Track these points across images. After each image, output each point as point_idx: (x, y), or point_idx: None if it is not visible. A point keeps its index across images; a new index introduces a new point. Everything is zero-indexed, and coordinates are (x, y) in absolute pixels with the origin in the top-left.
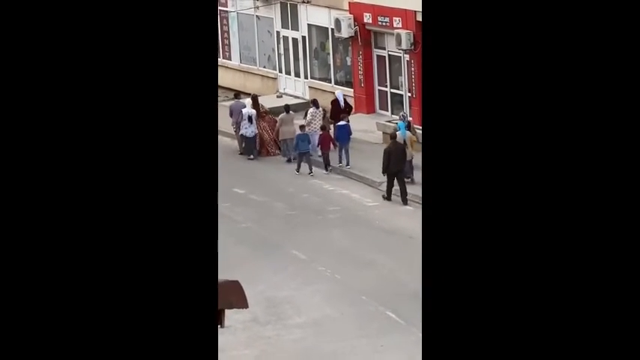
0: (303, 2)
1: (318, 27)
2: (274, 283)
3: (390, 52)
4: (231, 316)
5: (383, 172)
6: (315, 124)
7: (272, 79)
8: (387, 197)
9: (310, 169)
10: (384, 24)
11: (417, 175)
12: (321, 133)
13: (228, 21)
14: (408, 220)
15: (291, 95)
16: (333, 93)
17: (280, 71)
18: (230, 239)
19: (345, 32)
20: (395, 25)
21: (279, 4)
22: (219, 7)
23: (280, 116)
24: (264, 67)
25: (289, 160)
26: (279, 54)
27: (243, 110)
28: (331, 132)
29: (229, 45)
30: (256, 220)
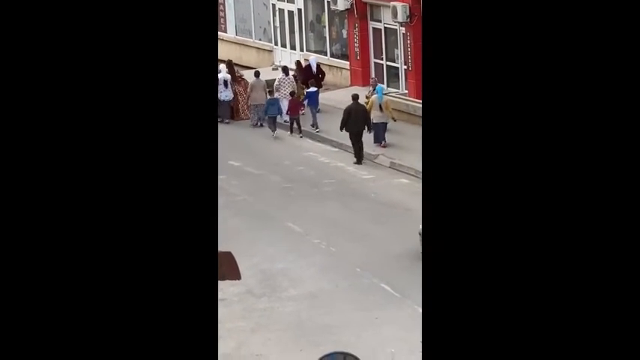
0: None
1: None
2: (269, 256)
3: (385, 25)
4: (225, 288)
5: (340, 129)
6: (283, 90)
7: (268, 51)
8: (358, 160)
9: (273, 131)
10: None
11: (395, 139)
12: (290, 98)
13: None
14: (403, 192)
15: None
16: (329, 66)
17: (276, 44)
18: (226, 211)
19: (341, 5)
20: None
21: None
22: None
23: (251, 82)
24: (260, 39)
25: (256, 125)
26: (274, 26)
27: (218, 75)
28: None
29: (225, 17)
30: (252, 193)
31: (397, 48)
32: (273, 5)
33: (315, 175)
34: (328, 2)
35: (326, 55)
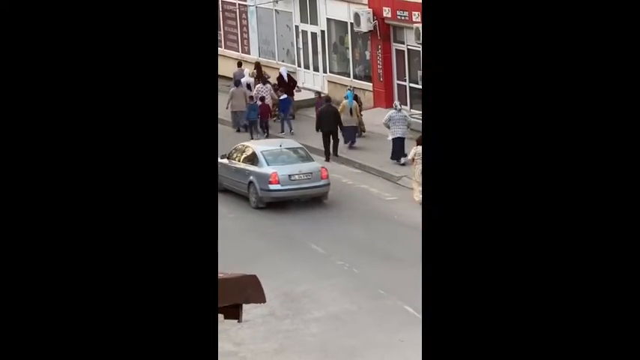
0: None
1: (337, 21)
2: (292, 278)
3: (409, 47)
4: (249, 310)
5: (316, 130)
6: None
7: (291, 73)
8: (327, 158)
9: (263, 133)
10: (403, 18)
11: (364, 142)
12: (260, 104)
13: (247, 15)
14: None
15: (309, 89)
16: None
17: (299, 65)
18: (249, 234)
19: (364, 26)
20: (414, 20)
21: None
22: (238, 2)
23: (231, 90)
24: (283, 61)
25: (238, 130)
26: (298, 48)
27: (242, 80)
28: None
29: (248, 39)
30: (274, 215)
31: (420, 69)
32: (297, 27)
33: (338, 197)
34: (351, 24)
35: (349, 76)
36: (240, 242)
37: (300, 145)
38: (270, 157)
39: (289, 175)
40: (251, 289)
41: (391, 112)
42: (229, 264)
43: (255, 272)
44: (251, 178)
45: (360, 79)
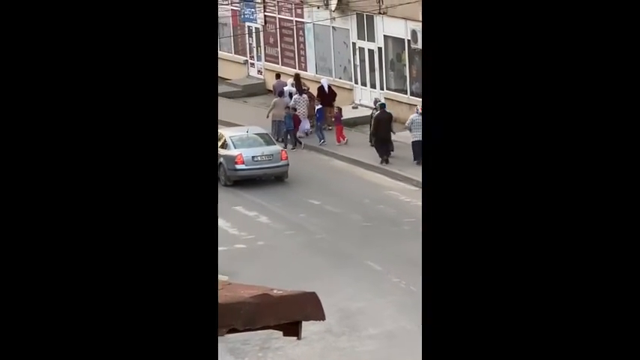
0: (380, 13)
1: (394, 38)
2: (349, 294)
3: None
4: (305, 327)
5: (371, 136)
6: (299, 108)
7: (348, 90)
8: (383, 160)
9: (294, 144)
10: None
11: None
12: (293, 114)
13: (304, 32)
14: None
15: (366, 106)
16: (409, 104)
17: (356, 82)
18: (305, 250)
19: (422, 43)
20: None
21: (355, 16)
22: (295, 19)
23: (273, 100)
24: (340, 78)
25: (277, 139)
26: (354, 65)
27: (285, 88)
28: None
29: (305, 56)
30: (331, 231)
31: None
32: (354, 44)
33: (395, 214)
34: (408, 41)
35: (406, 93)
36: (296, 259)
37: (265, 132)
38: (238, 142)
39: (252, 157)
40: (311, 307)
41: (413, 115)
42: (287, 281)
43: (311, 289)
44: (220, 159)
45: (417, 95)
